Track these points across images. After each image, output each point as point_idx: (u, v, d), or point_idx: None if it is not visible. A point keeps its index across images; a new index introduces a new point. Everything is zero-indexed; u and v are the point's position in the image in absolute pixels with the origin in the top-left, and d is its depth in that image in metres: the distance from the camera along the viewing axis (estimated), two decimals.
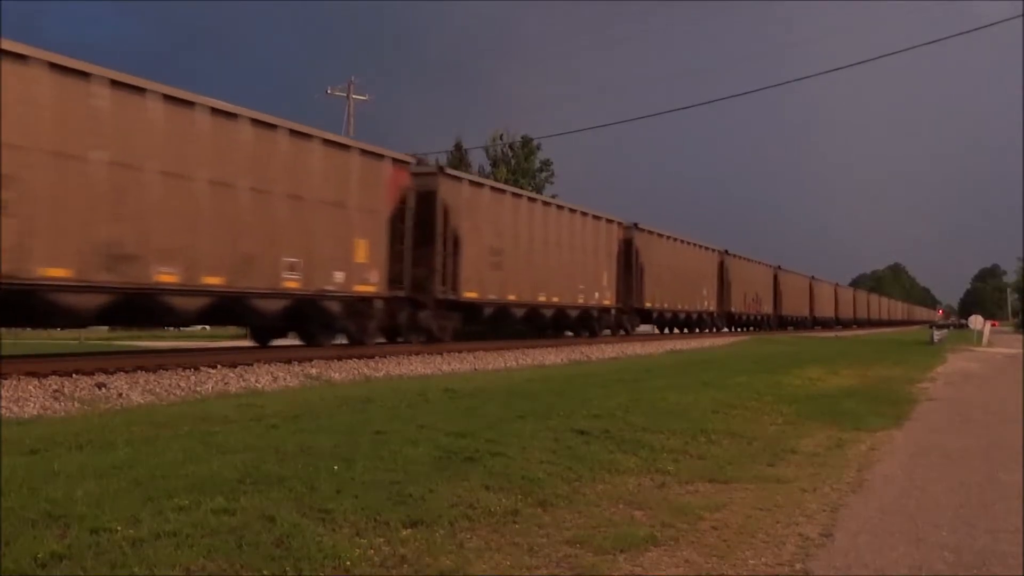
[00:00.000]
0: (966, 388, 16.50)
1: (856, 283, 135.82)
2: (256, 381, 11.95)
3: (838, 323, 67.92)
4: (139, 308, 12.69)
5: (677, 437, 8.35)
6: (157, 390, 10.57)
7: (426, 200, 18.22)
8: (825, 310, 64.36)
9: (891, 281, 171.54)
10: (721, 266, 40.08)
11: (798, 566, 4.60)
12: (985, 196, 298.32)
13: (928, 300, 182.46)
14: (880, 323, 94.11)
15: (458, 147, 47.54)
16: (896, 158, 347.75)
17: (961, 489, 6.74)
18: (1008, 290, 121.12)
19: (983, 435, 9.86)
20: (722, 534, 5.14)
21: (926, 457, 8.26)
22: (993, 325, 53.60)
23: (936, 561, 4.78)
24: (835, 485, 6.74)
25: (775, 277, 50.03)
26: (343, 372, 13.81)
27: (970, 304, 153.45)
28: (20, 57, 10.57)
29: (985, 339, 41.71)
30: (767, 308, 48.29)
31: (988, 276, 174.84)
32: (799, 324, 54.93)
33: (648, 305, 30.67)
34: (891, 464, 7.83)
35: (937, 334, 42.70)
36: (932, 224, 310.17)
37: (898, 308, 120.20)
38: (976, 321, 45.36)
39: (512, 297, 21.41)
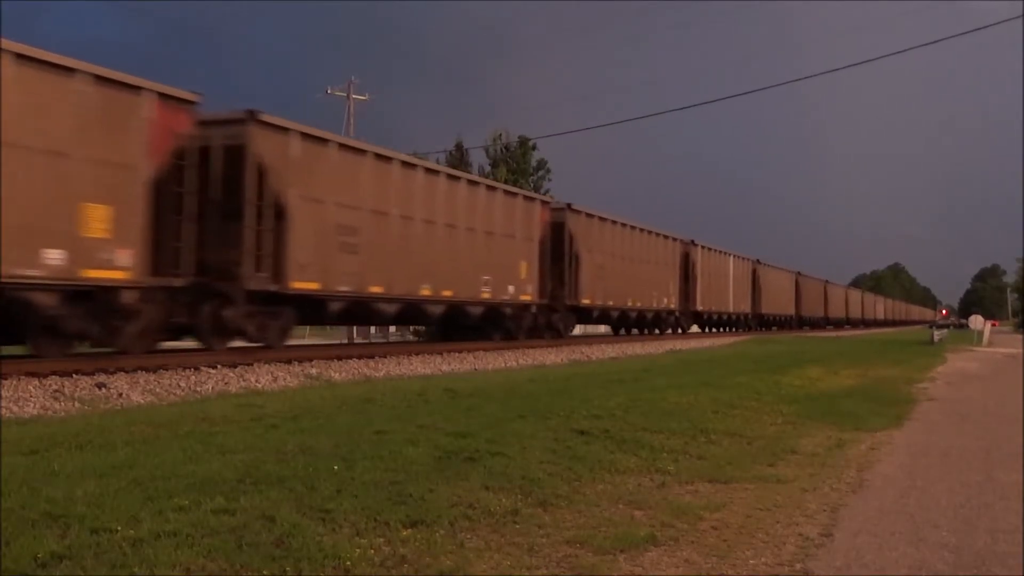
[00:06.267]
0: (966, 388, 16.51)
1: (856, 283, 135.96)
2: (256, 381, 11.95)
3: (848, 323, 73.85)
4: (411, 314, 18.86)
5: (677, 437, 8.36)
6: (157, 390, 10.57)
7: (557, 230, 24.02)
8: (837, 311, 70.13)
9: (891, 281, 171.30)
10: (754, 273, 45.03)
11: (798, 566, 4.61)
12: (985, 196, 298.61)
13: (928, 300, 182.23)
14: (883, 323, 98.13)
15: (458, 147, 47.42)
16: (896, 158, 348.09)
17: (961, 489, 6.74)
18: (1008, 290, 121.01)
19: (983, 435, 9.87)
20: (722, 534, 5.14)
21: (926, 457, 8.27)
22: (993, 325, 53.64)
23: (936, 561, 4.78)
24: (835, 485, 6.75)
25: (796, 282, 55.36)
26: (343, 372, 13.82)
27: (970, 304, 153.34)
28: (358, 151, 16.28)
29: (985, 339, 41.70)
30: (790, 309, 53.43)
31: (988, 276, 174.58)
32: (815, 324, 59.71)
33: (700, 308, 35.97)
34: (891, 464, 7.83)
35: (937, 334, 42.69)
36: (932, 224, 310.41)
37: (900, 308, 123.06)
38: (976, 321, 45.39)
39: (611, 302, 27.31)
